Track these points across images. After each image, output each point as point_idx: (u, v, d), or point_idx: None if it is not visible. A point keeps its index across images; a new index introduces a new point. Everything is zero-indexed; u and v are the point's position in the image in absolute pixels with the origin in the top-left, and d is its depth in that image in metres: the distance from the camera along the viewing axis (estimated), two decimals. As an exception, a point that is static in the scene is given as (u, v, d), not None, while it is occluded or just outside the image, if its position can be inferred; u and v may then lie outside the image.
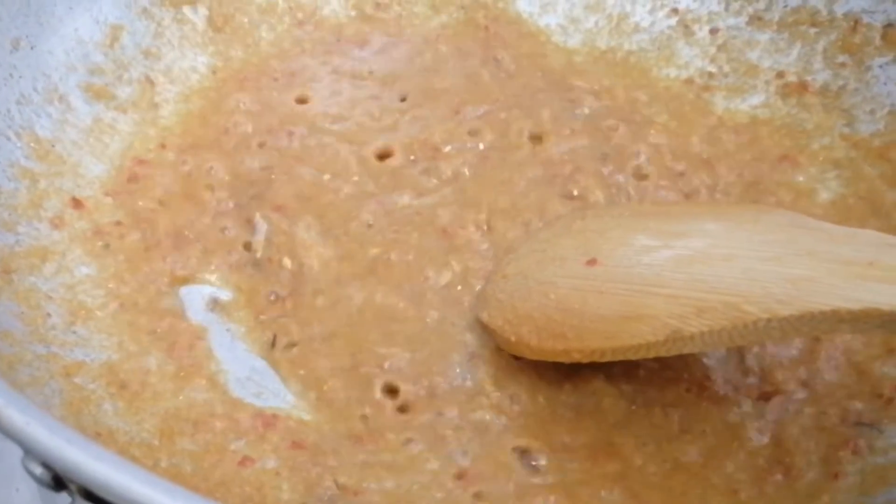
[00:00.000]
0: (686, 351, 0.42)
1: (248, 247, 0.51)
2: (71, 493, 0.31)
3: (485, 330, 0.48)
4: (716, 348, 0.46)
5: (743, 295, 0.40)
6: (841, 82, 0.58)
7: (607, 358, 0.43)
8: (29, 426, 0.29)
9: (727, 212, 0.50)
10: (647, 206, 0.54)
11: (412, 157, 0.56)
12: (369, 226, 0.52)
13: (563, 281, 0.46)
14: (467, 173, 0.55)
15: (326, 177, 0.54)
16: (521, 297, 0.47)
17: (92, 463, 0.28)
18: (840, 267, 0.39)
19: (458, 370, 0.47)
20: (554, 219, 0.52)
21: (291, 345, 0.48)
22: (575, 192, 0.54)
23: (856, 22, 0.58)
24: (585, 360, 0.44)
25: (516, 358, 0.47)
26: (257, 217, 0.52)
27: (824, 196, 0.55)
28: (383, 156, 0.56)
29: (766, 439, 0.45)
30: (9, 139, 0.50)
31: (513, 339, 0.46)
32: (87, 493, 0.29)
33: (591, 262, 0.45)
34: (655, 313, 0.41)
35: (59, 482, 0.31)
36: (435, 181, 0.55)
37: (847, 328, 0.38)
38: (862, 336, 0.48)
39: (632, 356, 0.43)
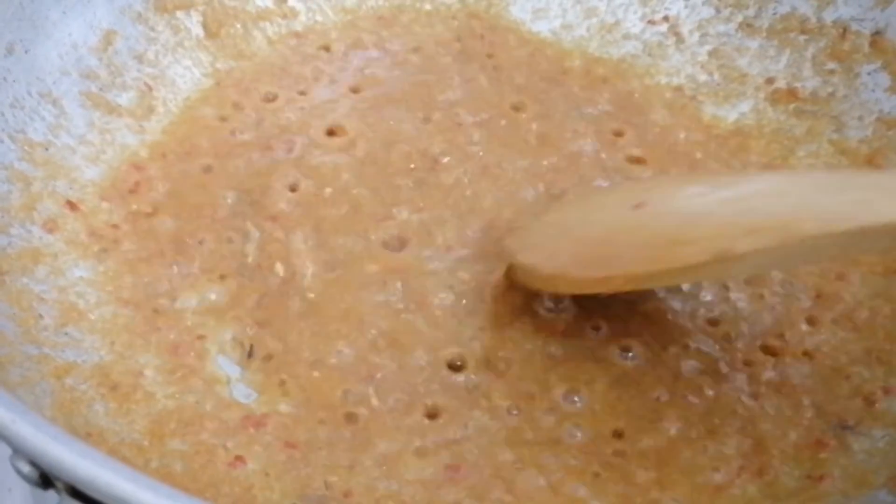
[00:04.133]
0: (732, 275, 0.43)
1: (242, 253, 0.52)
2: (58, 492, 0.31)
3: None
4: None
5: (797, 215, 0.39)
6: (830, 89, 0.59)
7: (649, 284, 0.44)
8: (15, 424, 0.29)
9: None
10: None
11: (412, 166, 0.56)
12: (367, 240, 0.52)
13: (609, 221, 0.46)
14: (467, 182, 0.55)
15: (328, 190, 0.54)
16: (562, 236, 0.47)
17: (77, 460, 0.28)
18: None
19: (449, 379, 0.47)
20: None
21: (269, 357, 0.48)
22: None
23: (845, 29, 0.59)
24: (627, 288, 0.44)
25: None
26: (251, 225, 0.52)
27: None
28: (382, 166, 0.56)
29: (746, 439, 0.46)
30: (2, 142, 0.50)
31: (549, 271, 0.45)
32: (73, 491, 0.30)
33: (639, 205, 0.45)
34: (703, 234, 0.41)
35: (46, 480, 0.31)
36: (435, 193, 0.55)
37: None
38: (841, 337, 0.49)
39: (676, 280, 0.44)
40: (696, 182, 0.47)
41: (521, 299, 0.49)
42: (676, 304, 0.49)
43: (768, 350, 0.49)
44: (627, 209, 0.45)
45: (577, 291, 0.46)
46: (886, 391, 0.47)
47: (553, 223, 0.48)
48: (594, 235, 0.46)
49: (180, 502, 0.28)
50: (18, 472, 0.31)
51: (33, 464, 0.31)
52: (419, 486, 0.44)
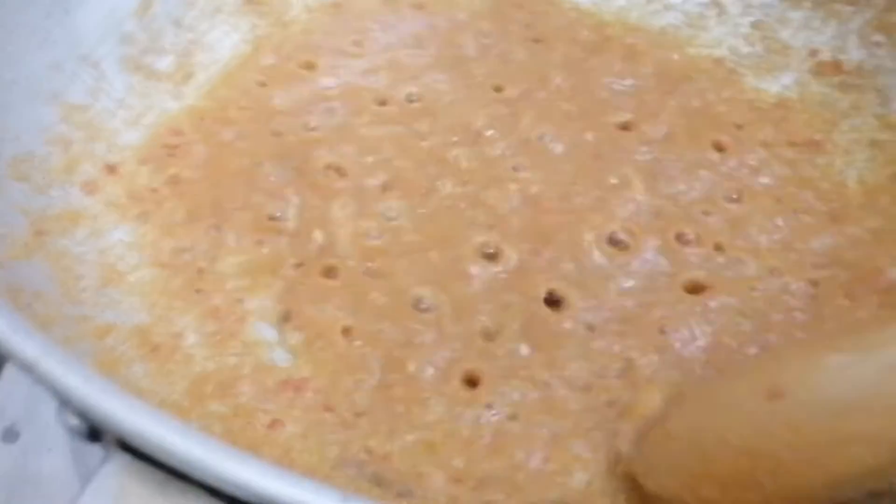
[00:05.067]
0: None
1: (281, 219, 0.51)
2: (106, 446, 0.31)
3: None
4: None
5: None
6: (876, 62, 0.58)
7: (821, 498, 0.35)
8: (66, 376, 0.29)
9: None
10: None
11: (455, 139, 0.55)
12: (409, 210, 0.52)
13: (745, 425, 0.37)
14: (508, 156, 0.55)
15: (369, 159, 0.54)
16: (695, 455, 0.39)
17: (128, 412, 0.28)
18: None
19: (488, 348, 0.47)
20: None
21: (306, 322, 0.48)
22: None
23: (892, 0, 0.58)
24: None
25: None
26: (290, 191, 0.52)
27: (854, 176, 0.54)
28: (423, 138, 0.55)
29: None
30: (43, 104, 0.50)
31: (692, 501, 0.38)
32: (122, 444, 0.30)
33: (775, 395, 0.37)
34: (871, 429, 0.33)
35: (94, 434, 0.31)
36: (477, 165, 0.54)
37: None
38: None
39: (847, 493, 0.35)
40: (832, 347, 0.37)
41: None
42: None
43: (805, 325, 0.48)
44: (762, 402, 0.37)
45: None
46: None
47: (678, 435, 0.41)
48: (734, 444, 0.37)
49: (230, 456, 0.28)
50: (66, 425, 0.31)
51: (82, 417, 0.31)
52: (458, 453, 0.43)
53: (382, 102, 0.57)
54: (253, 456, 0.28)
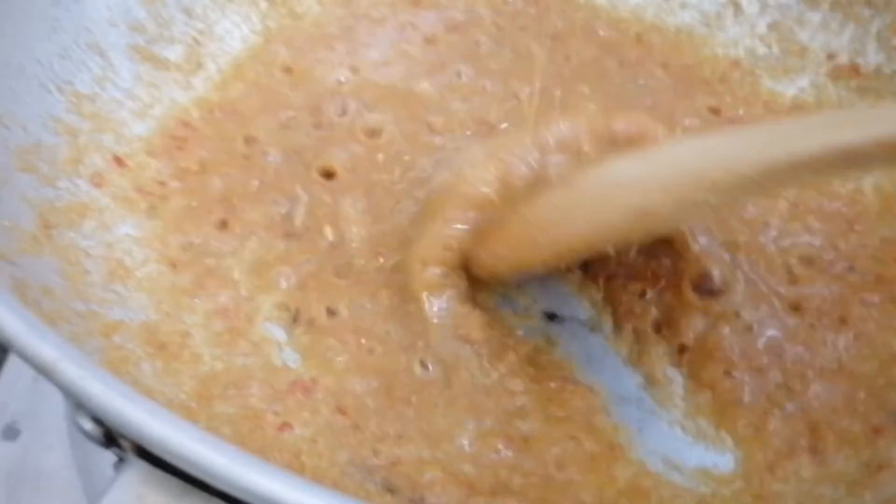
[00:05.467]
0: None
1: (290, 215, 0.51)
2: (122, 450, 0.30)
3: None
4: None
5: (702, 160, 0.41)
6: (894, 66, 0.57)
7: (575, 252, 0.46)
8: (83, 380, 0.28)
9: None
10: None
11: (468, 133, 0.55)
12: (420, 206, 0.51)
13: (540, 203, 0.46)
14: None
15: (380, 156, 0.53)
16: (500, 231, 0.47)
17: (149, 419, 0.27)
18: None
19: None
20: None
21: (315, 322, 0.47)
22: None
23: (912, 5, 0.57)
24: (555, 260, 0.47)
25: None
26: (300, 188, 0.51)
27: (871, 183, 0.54)
28: (437, 132, 0.55)
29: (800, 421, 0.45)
30: (50, 92, 0.49)
31: (490, 260, 0.47)
32: (140, 451, 0.29)
33: (567, 184, 0.46)
34: (620, 201, 0.43)
35: (109, 438, 0.30)
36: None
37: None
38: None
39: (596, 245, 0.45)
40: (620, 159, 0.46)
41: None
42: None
43: (822, 334, 0.48)
44: (557, 190, 0.46)
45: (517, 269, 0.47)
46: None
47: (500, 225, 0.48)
48: (525, 219, 0.46)
49: (251, 465, 0.28)
50: (80, 428, 0.30)
51: (97, 421, 0.30)
52: (467, 457, 0.43)
53: (395, 96, 0.56)
54: (282, 470, 0.27)
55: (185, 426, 0.27)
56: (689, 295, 0.48)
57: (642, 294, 0.49)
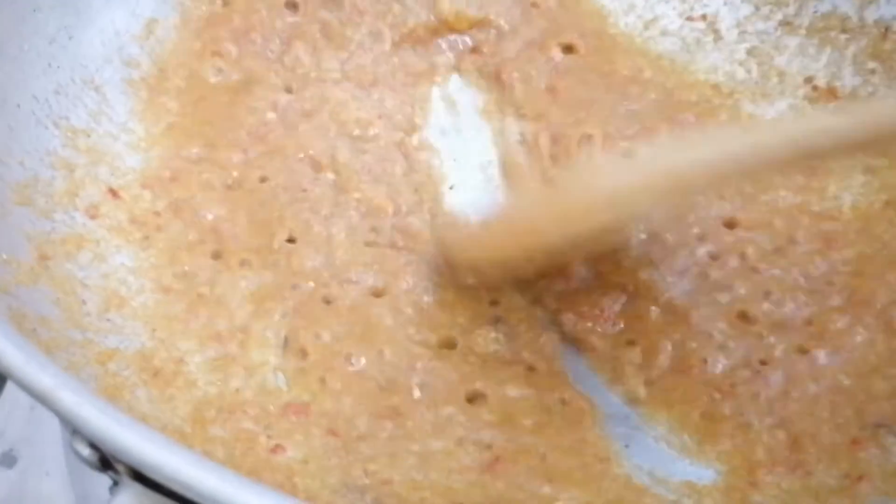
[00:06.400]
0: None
1: (282, 243, 0.52)
2: (117, 475, 0.31)
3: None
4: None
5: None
6: (870, 89, 0.58)
7: (562, 254, 0.48)
8: (81, 407, 0.29)
9: None
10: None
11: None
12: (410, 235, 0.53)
13: (524, 204, 0.50)
14: None
15: (382, 189, 0.55)
16: (485, 235, 0.50)
17: (144, 444, 0.28)
18: None
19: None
20: None
21: (306, 348, 0.48)
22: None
23: (886, 29, 0.58)
24: (546, 263, 0.48)
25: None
26: (292, 214, 0.53)
27: (849, 202, 0.55)
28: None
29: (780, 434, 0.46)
30: (46, 128, 0.51)
31: (474, 262, 0.49)
32: (136, 474, 0.30)
33: (550, 184, 0.51)
34: (609, 200, 0.45)
35: (105, 463, 0.31)
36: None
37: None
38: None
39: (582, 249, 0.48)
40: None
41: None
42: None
43: (802, 349, 0.49)
44: (540, 190, 0.50)
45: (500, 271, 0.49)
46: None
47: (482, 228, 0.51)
48: (510, 219, 0.49)
49: (243, 487, 0.28)
50: (78, 454, 0.31)
51: (93, 446, 0.31)
52: (459, 476, 0.44)
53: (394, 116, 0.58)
54: (274, 491, 0.28)
55: (178, 450, 0.28)
56: (656, 316, 0.49)
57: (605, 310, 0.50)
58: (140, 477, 0.30)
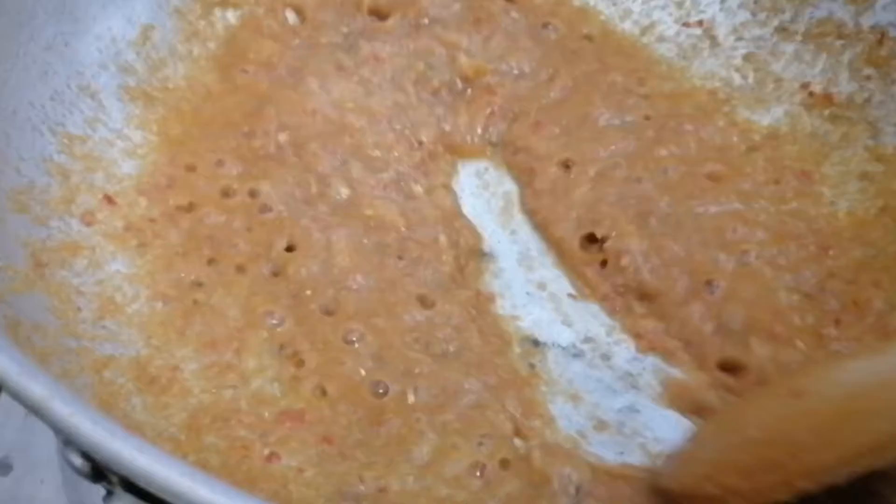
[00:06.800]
0: None
1: (278, 251, 0.51)
2: (110, 485, 0.31)
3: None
4: None
5: None
6: (866, 94, 0.58)
7: (838, 474, 0.37)
8: (73, 417, 0.29)
9: None
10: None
11: None
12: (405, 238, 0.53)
13: (768, 419, 0.41)
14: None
15: (380, 196, 0.55)
16: (718, 451, 0.43)
17: (135, 454, 0.28)
18: None
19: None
20: None
21: (302, 355, 0.48)
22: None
23: (882, 35, 0.59)
24: (813, 487, 0.38)
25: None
26: (290, 222, 0.52)
27: (845, 207, 0.55)
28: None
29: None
30: (42, 135, 0.51)
31: (717, 491, 0.40)
32: (127, 484, 0.30)
33: (796, 394, 0.40)
34: (880, 407, 0.37)
35: (98, 473, 0.31)
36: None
37: None
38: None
39: (866, 464, 0.37)
40: (856, 359, 0.42)
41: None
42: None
43: None
44: (784, 400, 0.41)
45: (759, 502, 0.40)
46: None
47: (701, 439, 0.44)
48: (756, 435, 0.41)
49: (234, 497, 0.28)
50: (70, 464, 0.31)
51: (85, 456, 0.31)
52: (454, 483, 0.44)
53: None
54: (267, 501, 0.28)
55: (169, 461, 0.28)
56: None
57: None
58: (132, 487, 0.30)
